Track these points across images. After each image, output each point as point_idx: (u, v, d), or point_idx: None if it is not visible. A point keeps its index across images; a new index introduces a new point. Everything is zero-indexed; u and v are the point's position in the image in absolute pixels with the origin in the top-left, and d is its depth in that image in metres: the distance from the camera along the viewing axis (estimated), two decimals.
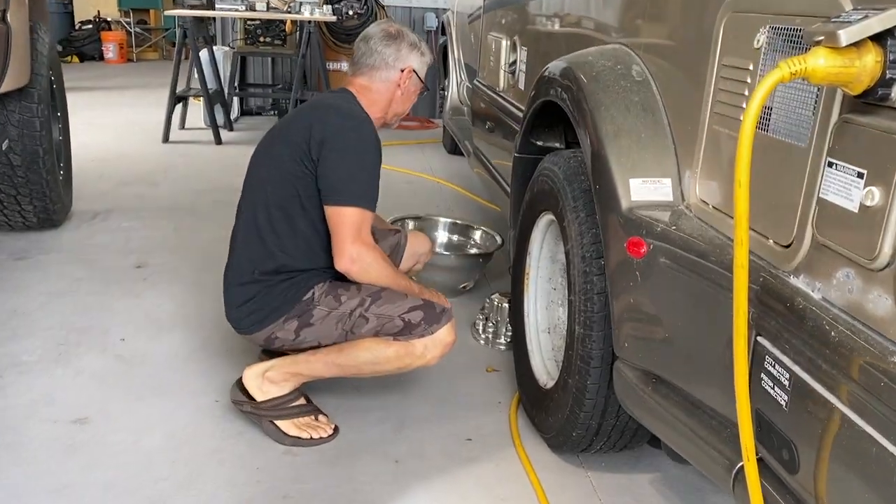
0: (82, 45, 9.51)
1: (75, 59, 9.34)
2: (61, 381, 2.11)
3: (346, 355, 1.82)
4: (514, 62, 2.83)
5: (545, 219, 1.99)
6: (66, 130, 3.54)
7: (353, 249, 1.79)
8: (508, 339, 2.45)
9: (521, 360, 2.12)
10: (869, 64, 0.87)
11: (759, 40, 1.16)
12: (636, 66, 1.61)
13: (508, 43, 2.92)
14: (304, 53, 5.31)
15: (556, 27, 2.30)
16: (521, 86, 2.70)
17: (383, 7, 6.01)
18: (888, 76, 0.86)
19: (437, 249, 3.04)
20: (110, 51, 9.48)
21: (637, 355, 1.47)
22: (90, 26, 9.70)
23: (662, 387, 1.40)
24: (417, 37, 2.07)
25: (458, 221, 3.20)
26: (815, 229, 1.03)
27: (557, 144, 2.18)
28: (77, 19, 9.93)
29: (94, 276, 2.85)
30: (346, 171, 1.81)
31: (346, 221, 1.79)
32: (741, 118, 1.20)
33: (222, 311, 1.95)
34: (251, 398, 1.90)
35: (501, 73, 2.99)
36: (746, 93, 1.19)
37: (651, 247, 1.36)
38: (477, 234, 3.11)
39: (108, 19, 9.76)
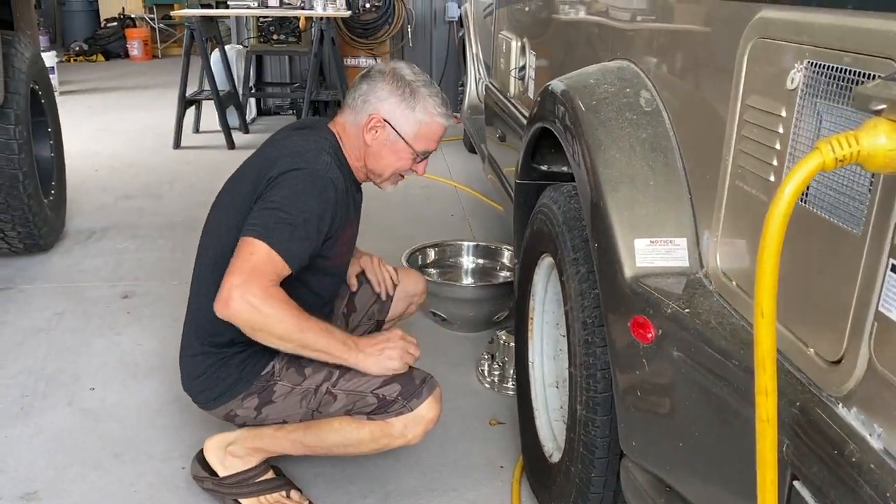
0: (107, 42, 9.42)
1: (101, 57, 9.26)
2: (17, 444, 1.92)
3: (313, 435, 1.59)
4: (524, 67, 2.54)
5: (547, 261, 1.71)
6: (58, 147, 3.36)
7: (237, 285, 1.40)
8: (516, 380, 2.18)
9: (526, 419, 1.85)
10: None
11: (793, 79, 0.87)
12: (646, 93, 1.32)
13: (518, 45, 2.63)
14: (317, 51, 5.06)
15: (564, 33, 2.00)
16: (531, 94, 2.41)
17: None
18: None
19: (465, 280, 2.76)
20: (135, 48, 9.37)
21: (646, 457, 1.19)
22: (115, 24, 9.61)
23: (678, 501, 1.13)
24: (429, 87, 1.68)
25: (482, 244, 2.89)
26: (872, 350, 0.75)
27: (565, 169, 1.89)
28: (102, 17, 9.85)
29: (76, 309, 2.66)
30: (274, 208, 1.48)
31: (246, 255, 1.43)
32: (771, 178, 0.92)
33: None
34: (213, 473, 1.68)
35: (512, 77, 2.70)
36: (778, 146, 0.91)
37: (660, 331, 1.08)
38: (505, 256, 2.80)
39: (133, 16, 9.65)
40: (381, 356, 1.53)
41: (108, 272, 2.99)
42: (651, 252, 1.16)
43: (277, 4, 5.14)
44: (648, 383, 1.13)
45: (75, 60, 9.10)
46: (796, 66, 0.87)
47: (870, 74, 0.73)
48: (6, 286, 2.84)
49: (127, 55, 9.43)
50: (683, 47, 1.23)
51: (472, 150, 4.97)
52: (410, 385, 1.55)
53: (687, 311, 1.05)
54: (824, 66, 0.81)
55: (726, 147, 1.03)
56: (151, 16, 9.90)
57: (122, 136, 5.32)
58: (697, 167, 1.16)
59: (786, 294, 0.74)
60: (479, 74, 4.38)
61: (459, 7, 5.85)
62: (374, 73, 1.66)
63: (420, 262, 2.71)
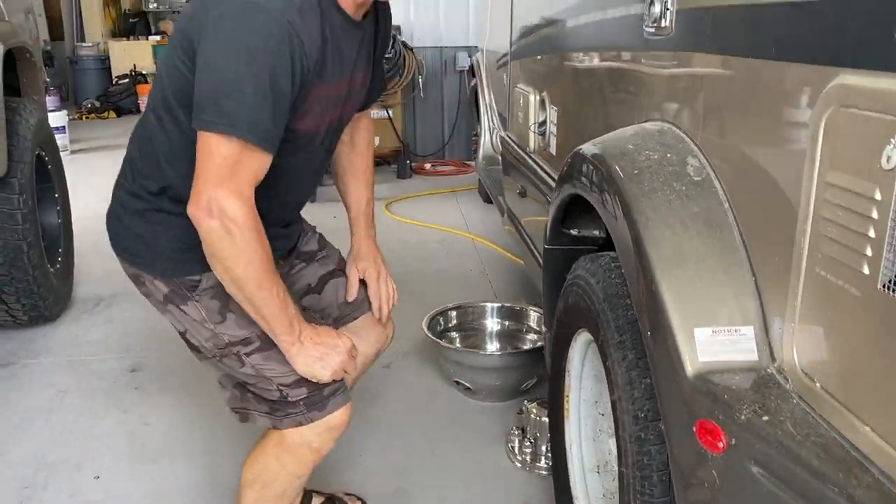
0: (119, 99, 9.47)
1: (112, 114, 9.30)
2: None
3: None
4: (544, 122, 2.44)
5: (584, 336, 1.57)
6: (65, 213, 3.28)
7: (216, 195, 1.20)
8: (551, 461, 2.03)
9: None
10: None
11: (889, 157, 0.75)
12: (693, 160, 1.19)
13: (537, 99, 2.53)
14: None
15: (591, 89, 1.90)
16: (553, 150, 2.30)
17: (411, 49, 5.68)
18: None
19: (489, 348, 2.62)
20: (145, 103, 9.40)
21: None
22: (126, 80, 9.68)
23: None
24: None
25: (506, 305, 2.74)
26: None
27: (596, 233, 1.77)
28: (114, 74, 9.93)
29: (81, 387, 2.54)
30: (218, 77, 1.21)
31: (211, 154, 1.21)
32: (863, 269, 0.79)
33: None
34: None
35: (531, 132, 2.60)
36: (872, 233, 0.78)
37: (733, 441, 0.94)
38: (532, 317, 2.64)
39: (144, 72, 9.72)
40: (316, 360, 1.36)
41: (116, 342, 2.87)
42: (714, 343, 1.02)
43: None
44: (720, 500, 0.98)
45: (87, 118, 9.15)
46: (891, 142, 0.75)
47: None
48: (9, 362, 2.72)
49: (138, 111, 9.47)
50: (740, 111, 1.11)
51: (487, 199, 4.87)
52: (318, 395, 1.41)
53: (765, 418, 0.91)
54: None
55: (801, 228, 0.90)
56: None
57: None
58: (762, 247, 1.03)
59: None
60: (494, 125, 4.31)
61: (470, 57, 5.82)
62: None
63: (442, 326, 2.57)
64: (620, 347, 1.27)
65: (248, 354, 1.40)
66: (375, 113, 5.81)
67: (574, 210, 1.71)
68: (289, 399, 1.40)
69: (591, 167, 1.39)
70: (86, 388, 2.53)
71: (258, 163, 1.25)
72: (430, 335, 2.38)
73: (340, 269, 1.74)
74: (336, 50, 1.33)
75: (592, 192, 1.38)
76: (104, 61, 10.01)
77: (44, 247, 2.88)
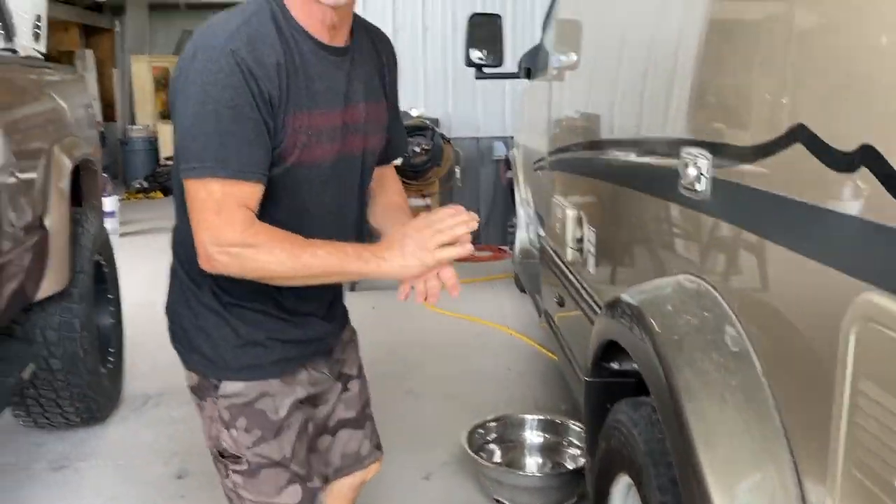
0: (166, 180, 9.82)
1: (159, 194, 9.65)
2: None
3: None
4: (582, 239, 2.51)
5: (625, 480, 1.60)
6: (118, 313, 3.42)
7: (209, 242, 1.22)
8: None
9: None
10: None
11: None
12: (731, 329, 1.25)
13: (574, 215, 2.60)
14: None
15: (629, 224, 1.97)
16: (591, 269, 2.36)
17: (449, 141, 5.87)
18: None
19: (529, 463, 2.64)
20: None
21: None
22: (173, 161, 10.07)
23: None
24: None
25: (547, 418, 2.75)
26: None
27: (636, 366, 1.81)
28: (162, 155, 10.35)
29: (128, 493, 2.61)
30: (182, 128, 1.23)
31: (194, 203, 1.22)
32: None
33: None
34: None
35: (569, 246, 2.67)
36: None
37: None
38: (572, 432, 2.65)
39: None
40: (408, 256, 1.26)
41: (163, 446, 2.94)
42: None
43: None
44: None
45: (135, 198, 9.51)
46: None
47: None
48: (62, 464, 2.81)
49: None
50: (774, 289, 1.16)
51: (522, 290, 4.94)
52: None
53: None
54: None
55: (835, 426, 0.94)
56: None
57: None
58: (800, 432, 1.07)
59: None
60: (530, 220, 4.40)
61: (505, 146, 5.98)
62: None
63: (481, 439, 2.60)
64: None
65: (234, 472, 1.45)
66: (413, 201, 5.97)
67: (613, 345, 1.77)
68: None
69: (633, 323, 1.44)
70: (133, 495, 2.59)
71: (243, 193, 1.23)
72: (469, 451, 2.41)
73: (358, 417, 1.70)
74: (306, 77, 1.29)
75: (633, 347, 1.43)
76: (153, 143, 10.46)
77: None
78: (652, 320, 1.36)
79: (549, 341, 3.99)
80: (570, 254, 2.66)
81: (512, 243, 4.98)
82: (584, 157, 2.51)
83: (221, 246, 1.23)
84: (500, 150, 6.10)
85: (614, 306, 1.58)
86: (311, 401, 1.55)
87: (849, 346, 0.91)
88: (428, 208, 5.87)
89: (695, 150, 1.41)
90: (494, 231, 6.34)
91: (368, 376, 1.76)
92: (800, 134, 1.04)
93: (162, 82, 11.43)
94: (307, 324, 1.49)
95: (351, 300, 1.82)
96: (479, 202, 6.34)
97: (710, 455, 1.12)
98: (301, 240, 1.26)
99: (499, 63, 4.24)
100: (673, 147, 1.53)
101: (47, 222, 2.61)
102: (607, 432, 1.64)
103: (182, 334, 1.49)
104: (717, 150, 1.33)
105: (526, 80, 4.34)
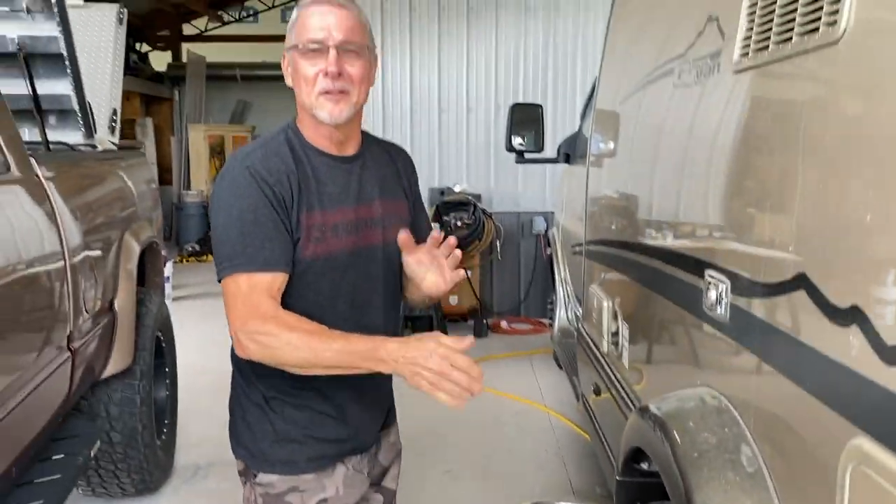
0: None
1: (210, 257, 10.00)
2: None
3: None
4: (616, 333, 2.62)
5: None
6: (173, 385, 3.60)
7: (242, 329, 1.38)
8: None
9: None
10: None
11: None
12: (747, 449, 1.35)
13: (610, 307, 2.72)
14: None
15: (658, 328, 2.08)
16: (626, 363, 2.46)
17: (490, 215, 6.05)
18: None
19: None
20: None
21: None
22: None
23: None
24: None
25: None
26: None
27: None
28: None
29: None
30: (216, 237, 1.45)
31: (227, 298, 1.42)
32: None
33: None
34: None
35: (604, 337, 2.78)
36: None
37: None
38: None
39: None
40: (414, 376, 1.29)
41: None
42: None
43: None
44: None
45: (188, 261, 9.88)
46: None
47: None
48: None
49: None
50: (785, 418, 1.27)
51: (561, 366, 5.01)
52: None
53: None
54: None
55: None
56: None
57: (226, 349, 5.63)
58: None
59: None
60: (569, 299, 4.51)
61: (546, 222, 6.14)
62: None
63: None
64: None
65: None
66: None
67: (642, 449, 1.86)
68: None
69: (658, 433, 1.55)
70: None
71: (266, 283, 1.39)
72: None
73: None
74: (317, 182, 1.49)
75: (658, 457, 1.53)
76: (206, 207, 10.87)
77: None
78: (676, 434, 1.47)
79: (585, 423, 4.06)
80: (606, 345, 2.77)
81: (551, 319, 5.07)
82: (619, 255, 2.64)
83: (248, 332, 1.38)
84: (540, 225, 6.26)
85: (643, 413, 1.69)
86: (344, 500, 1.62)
87: (845, 485, 1.02)
88: (468, 280, 6.03)
89: (717, 275, 1.53)
90: (534, 304, 6.45)
91: (407, 453, 1.86)
92: (803, 282, 1.16)
93: (216, 150, 11.96)
94: (350, 420, 1.61)
95: None
96: (519, 275, 6.48)
97: None
98: (320, 331, 1.37)
99: (539, 149, 4.44)
100: (699, 266, 1.65)
101: (117, 304, 2.82)
102: None
103: (233, 426, 1.66)
104: (736, 279, 1.45)
105: (566, 165, 4.51)
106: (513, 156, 4.56)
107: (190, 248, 10.10)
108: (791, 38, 1.25)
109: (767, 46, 1.35)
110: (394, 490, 1.81)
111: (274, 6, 14.12)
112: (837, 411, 1.06)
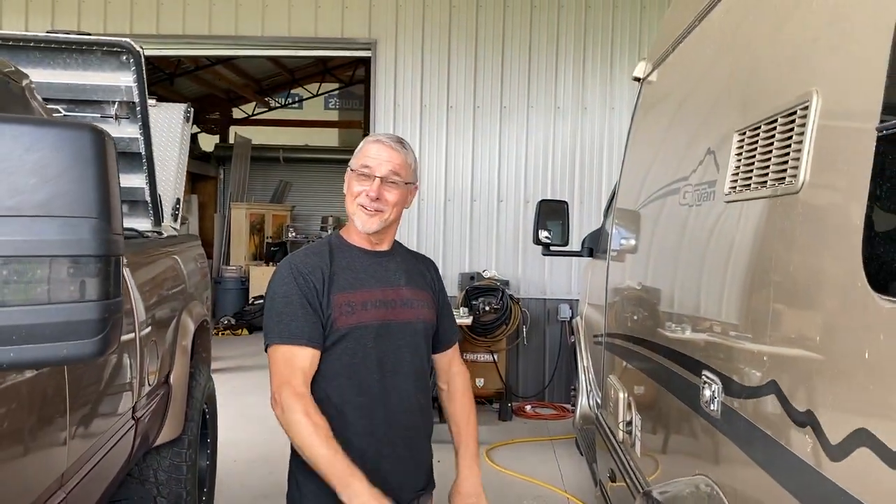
0: (252, 318, 10.55)
1: (245, 331, 10.33)
2: None
3: None
4: (630, 423, 2.81)
5: None
6: (213, 456, 3.83)
7: (279, 391, 1.77)
8: None
9: None
10: None
11: None
12: None
13: (625, 398, 2.92)
14: None
15: (664, 421, 2.29)
16: (637, 451, 2.65)
17: (517, 301, 6.29)
18: None
19: None
20: None
21: None
22: (262, 301, 10.81)
23: None
24: (370, 138, 1.98)
25: None
26: None
27: None
28: (251, 294, 11.13)
29: None
30: (264, 316, 1.89)
31: (270, 363, 1.82)
32: None
33: None
34: None
35: (620, 427, 2.97)
36: None
37: None
38: None
39: None
40: None
41: None
42: None
43: None
44: None
45: (223, 334, 10.19)
46: None
47: None
48: None
49: None
50: (758, 494, 1.47)
51: (582, 452, 5.13)
52: None
53: None
54: None
55: None
56: None
57: (260, 424, 5.81)
58: None
59: None
60: (591, 388, 4.69)
61: (571, 309, 6.36)
62: None
63: None
64: None
65: None
66: (482, 357, 6.33)
67: None
68: None
69: None
70: None
71: (300, 358, 1.79)
72: None
73: None
74: (352, 271, 1.91)
75: None
76: (244, 282, 11.28)
77: None
78: None
79: None
80: (621, 434, 2.95)
81: (574, 406, 5.23)
82: (633, 349, 2.86)
83: (278, 398, 1.77)
84: (565, 312, 6.48)
85: (647, 497, 1.89)
86: None
87: None
88: (495, 364, 6.22)
89: (711, 375, 1.76)
90: (558, 389, 6.60)
91: None
92: (773, 387, 1.39)
93: (257, 227, 12.46)
94: (386, 480, 1.82)
95: None
96: (544, 360, 6.66)
97: None
98: (324, 434, 1.72)
99: (564, 243, 4.72)
100: (697, 366, 1.88)
101: (172, 378, 3.09)
102: None
103: (288, 493, 1.94)
104: (726, 381, 1.67)
105: (588, 258, 4.77)
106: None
107: (226, 321, 10.43)
108: (766, 183, 1.52)
109: (749, 185, 1.62)
110: None
111: (318, 94, 14.90)
112: (798, 499, 1.27)
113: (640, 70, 3.42)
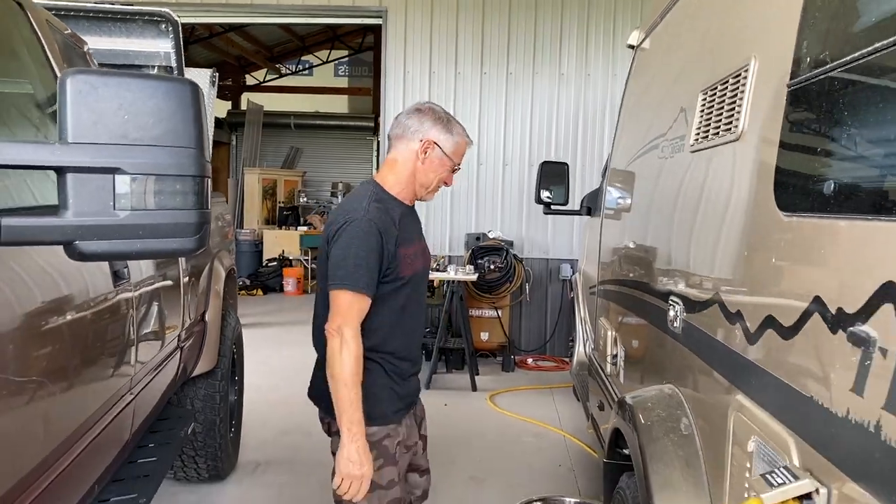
0: (267, 279, 10.94)
1: (259, 292, 10.72)
2: None
3: None
4: (616, 355, 3.16)
5: None
6: (240, 392, 4.21)
7: (337, 326, 1.98)
8: None
9: None
10: None
11: (755, 469, 1.43)
12: (685, 420, 1.89)
13: (612, 335, 3.27)
14: (447, 307, 5.94)
15: (639, 345, 2.63)
16: (621, 380, 3.00)
17: (521, 260, 6.63)
18: None
19: None
20: (290, 284, 10.81)
21: None
22: (275, 263, 11.19)
23: None
24: (449, 115, 2.19)
25: (582, 500, 3.35)
26: None
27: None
28: (265, 257, 11.50)
29: None
30: (336, 260, 2.03)
31: (335, 302, 2.01)
32: None
33: None
34: None
35: (608, 361, 3.32)
36: (746, 487, 1.45)
37: None
38: None
39: (290, 257, 11.23)
40: (346, 461, 1.97)
41: (272, 502, 3.64)
42: None
43: None
44: None
45: (239, 295, 10.58)
46: (753, 438, 1.44)
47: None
48: None
49: (282, 290, 10.88)
50: (706, 390, 1.81)
51: (578, 397, 5.50)
52: None
53: None
54: (764, 446, 1.38)
55: (727, 476, 1.58)
56: (306, 256, 11.45)
57: (279, 373, 6.24)
58: (715, 485, 1.70)
59: None
60: (587, 336, 5.04)
61: (571, 268, 6.69)
62: (414, 111, 2.19)
63: None
64: None
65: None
66: (486, 312, 6.69)
67: (620, 433, 2.40)
68: None
69: (628, 413, 2.09)
70: None
71: (359, 304, 2.02)
72: None
73: (427, 469, 2.43)
74: (403, 226, 2.14)
75: (627, 429, 2.08)
76: (257, 245, 11.64)
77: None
78: (638, 413, 2.01)
79: (594, 442, 4.55)
80: (608, 367, 3.31)
81: (571, 357, 5.59)
82: (619, 291, 3.20)
83: (338, 332, 1.99)
84: (566, 272, 6.81)
85: (621, 404, 2.23)
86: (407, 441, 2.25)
87: (730, 425, 1.56)
88: (499, 319, 6.58)
89: (675, 298, 2.09)
90: (559, 344, 6.96)
91: (441, 461, 2.43)
92: (717, 300, 1.72)
93: (269, 192, 12.79)
94: (414, 376, 2.28)
95: (426, 397, 2.54)
96: (546, 317, 7.01)
97: (661, 496, 1.75)
98: (358, 381, 1.99)
99: (564, 202, 5.03)
100: (666, 293, 2.22)
101: (207, 316, 3.45)
102: (615, 496, 2.26)
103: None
104: (687, 301, 2.01)
105: (587, 217, 5.09)
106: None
107: (241, 283, 10.81)
108: (718, 133, 1.84)
109: (707, 136, 1.94)
110: (426, 436, 2.44)
111: (328, 61, 15.12)
112: (730, 381, 1.61)
113: (633, 38, 3.71)
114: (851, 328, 1.07)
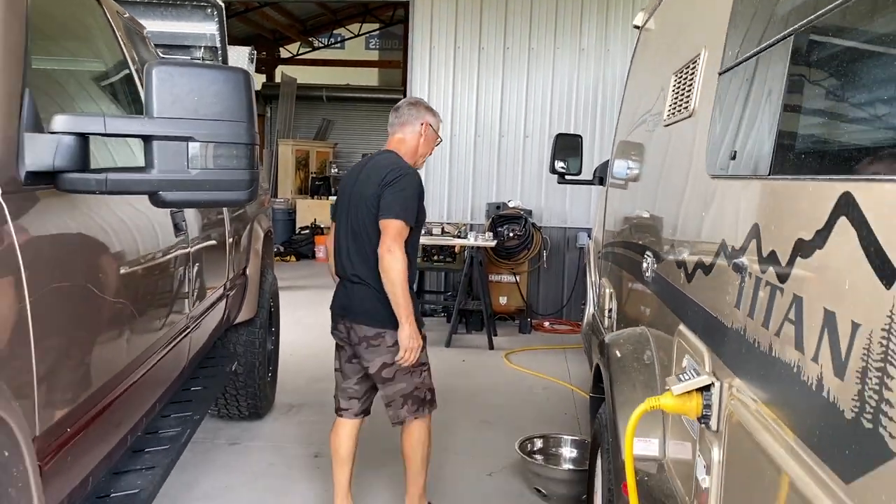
0: (300, 246, 11.43)
1: (293, 258, 11.21)
2: None
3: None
4: (612, 310, 3.52)
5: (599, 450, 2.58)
6: (276, 342, 4.65)
7: (389, 245, 2.71)
8: None
9: None
10: (695, 403, 1.50)
11: (684, 362, 1.80)
12: (648, 352, 2.26)
13: (609, 292, 3.63)
14: (467, 271, 6.33)
15: (624, 297, 2.99)
16: (613, 330, 3.36)
17: (539, 229, 6.97)
18: (704, 412, 1.48)
19: (563, 466, 3.62)
20: (321, 251, 11.28)
21: None
22: (307, 231, 11.67)
23: None
24: (428, 105, 3.04)
25: (580, 438, 3.75)
26: None
27: None
28: (298, 225, 11.98)
29: (282, 462, 3.75)
30: (392, 199, 2.75)
31: (389, 227, 2.73)
32: None
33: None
34: None
35: (605, 315, 3.68)
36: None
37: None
38: None
39: (322, 226, 11.69)
40: (408, 338, 2.75)
41: (304, 437, 4.09)
42: (640, 445, 2.04)
43: (440, 234, 6.53)
44: None
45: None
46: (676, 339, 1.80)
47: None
48: (235, 442, 4.00)
49: (314, 257, 11.35)
50: (663, 325, 2.17)
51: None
52: (432, 399, 2.96)
53: (651, 481, 1.92)
54: (692, 360, 1.74)
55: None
56: None
57: (312, 331, 6.69)
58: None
59: None
60: (595, 297, 5.39)
61: (588, 237, 7.01)
62: (409, 105, 3.00)
63: (529, 449, 3.59)
64: (607, 452, 2.30)
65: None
66: (505, 277, 7.06)
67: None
68: (426, 399, 2.85)
69: (606, 350, 2.47)
70: (285, 464, 3.73)
71: (405, 231, 2.77)
72: (519, 452, 3.41)
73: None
74: None
75: (603, 363, 2.45)
76: (291, 214, 12.12)
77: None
78: (613, 349, 2.39)
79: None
80: (606, 321, 3.67)
81: (583, 318, 5.95)
82: (614, 252, 3.55)
83: (393, 248, 2.73)
84: (583, 240, 7.14)
85: (601, 344, 2.60)
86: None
87: (674, 350, 1.93)
88: (517, 284, 6.94)
89: (649, 253, 2.45)
90: (575, 310, 7.31)
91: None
92: (671, 250, 2.08)
93: (302, 163, 13.23)
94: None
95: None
96: (563, 283, 7.37)
97: (621, 411, 2.13)
98: (408, 284, 2.80)
99: (578, 172, 5.35)
100: (643, 250, 2.57)
101: (248, 271, 3.88)
102: (595, 422, 2.64)
103: (376, 311, 2.86)
104: (656, 254, 2.36)
105: (600, 186, 5.42)
106: None
107: (276, 249, 11.31)
108: (679, 111, 2.18)
109: (674, 113, 2.28)
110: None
111: (359, 34, 15.45)
112: (677, 315, 1.97)
113: (639, 19, 4.01)
114: (735, 260, 1.42)
